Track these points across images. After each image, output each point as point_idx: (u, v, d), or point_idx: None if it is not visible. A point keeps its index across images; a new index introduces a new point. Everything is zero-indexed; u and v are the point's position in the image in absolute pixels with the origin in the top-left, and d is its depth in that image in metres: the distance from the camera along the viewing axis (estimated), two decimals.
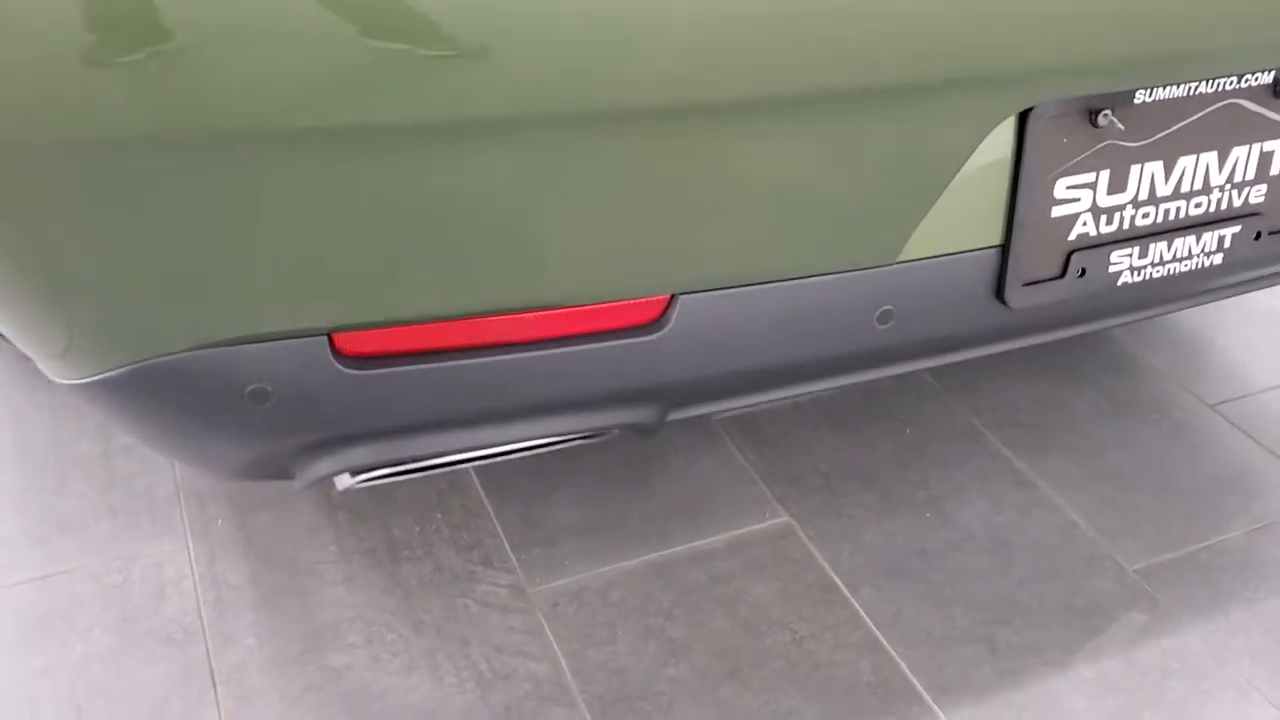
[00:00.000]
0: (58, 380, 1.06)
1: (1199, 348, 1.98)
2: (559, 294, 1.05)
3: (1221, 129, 1.19)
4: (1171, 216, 1.22)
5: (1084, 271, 1.20)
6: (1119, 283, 1.22)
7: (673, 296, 1.08)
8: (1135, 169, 1.17)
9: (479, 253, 1.00)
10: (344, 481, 1.17)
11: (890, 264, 1.13)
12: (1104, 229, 1.19)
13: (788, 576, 1.52)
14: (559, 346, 1.07)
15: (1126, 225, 1.20)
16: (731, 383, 1.19)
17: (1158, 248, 1.22)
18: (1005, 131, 1.11)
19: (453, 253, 0.99)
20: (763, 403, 1.30)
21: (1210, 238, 1.24)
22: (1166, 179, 1.19)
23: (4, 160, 0.85)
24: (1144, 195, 1.19)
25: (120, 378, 1.00)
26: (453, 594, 1.49)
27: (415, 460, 1.14)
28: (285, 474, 1.16)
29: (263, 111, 0.87)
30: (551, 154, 0.96)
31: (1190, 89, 1.16)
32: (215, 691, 1.36)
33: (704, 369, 1.13)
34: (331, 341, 1.02)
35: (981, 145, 1.10)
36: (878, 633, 1.45)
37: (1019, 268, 1.17)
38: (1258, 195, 1.24)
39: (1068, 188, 1.16)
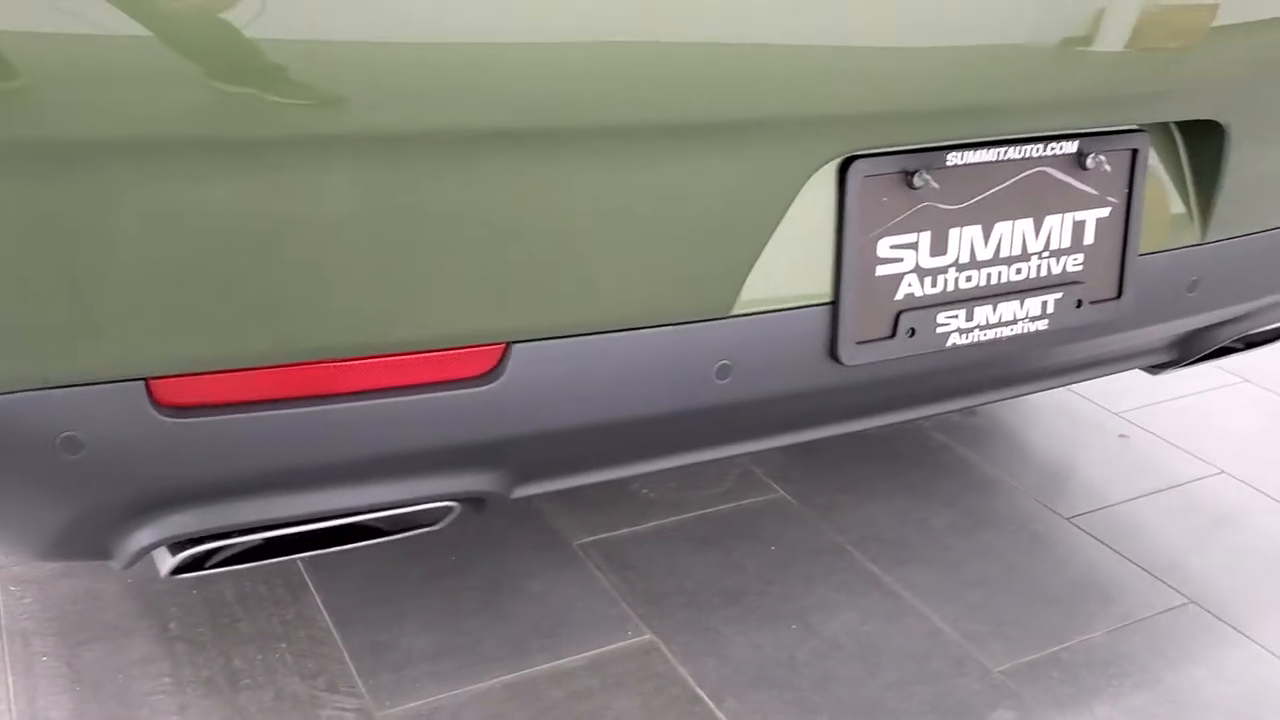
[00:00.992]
0: None
1: (1054, 465, 2.02)
2: (388, 339, 1.03)
3: (1033, 196, 1.26)
4: (994, 280, 1.26)
5: (913, 331, 1.22)
6: (949, 344, 1.25)
7: (508, 345, 1.08)
8: (955, 232, 1.22)
9: (295, 291, 0.98)
10: (166, 563, 1.11)
11: (725, 316, 1.14)
12: (929, 290, 1.23)
13: (650, 691, 1.46)
14: (390, 396, 1.05)
15: (951, 287, 1.24)
16: (576, 446, 1.17)
17: (983, 311, 1.26)
18: (826, 185, 1.15)
19: (266, 291, 0.97)
20: (616, 478, 1.28)
21: (1034, 303, 1.29)
22: (985, 243, 1.24)
23: None
24: (965, 258, 1.24)
25: None
26: None
27: (239, 530, 1.09)
28: (101, 550, 1.09)
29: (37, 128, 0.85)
30: (365, 183, 0.96)
31: (1000, 153, 1.22)
32: None
33: (545, 424, 1.11)
34: (149, 388, 0.98)
35: (801, 197, 1.13)
36: None
37: (850, 325, 1.19)
38: (1075, 264, 1.30)
39: (891, 247, 1.20)
